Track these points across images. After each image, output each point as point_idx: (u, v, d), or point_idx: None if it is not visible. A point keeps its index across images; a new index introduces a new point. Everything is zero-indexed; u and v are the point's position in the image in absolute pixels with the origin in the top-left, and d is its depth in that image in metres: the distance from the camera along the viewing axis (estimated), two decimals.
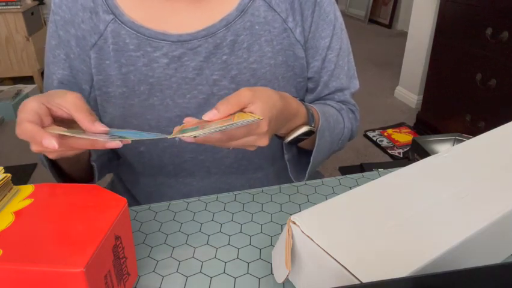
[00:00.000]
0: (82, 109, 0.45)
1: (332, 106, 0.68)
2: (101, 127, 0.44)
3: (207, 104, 0.62)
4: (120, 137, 0.44)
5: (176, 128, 0.47)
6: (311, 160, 0.61)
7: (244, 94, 0.47)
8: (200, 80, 0.61)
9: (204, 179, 0.69)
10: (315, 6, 0.63)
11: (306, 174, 0.63)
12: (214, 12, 0.60)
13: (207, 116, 0.45)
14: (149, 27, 0.59)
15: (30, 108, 0.44)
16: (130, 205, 0.58)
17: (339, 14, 0.68)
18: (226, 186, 0.70)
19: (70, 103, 0.45)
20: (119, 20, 0.59)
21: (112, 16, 0.59)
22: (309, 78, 0.68)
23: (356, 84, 0.72)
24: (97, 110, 0.64)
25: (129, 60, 0.60)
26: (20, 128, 0.43)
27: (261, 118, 0.45)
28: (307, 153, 0.63)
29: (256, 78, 0.62)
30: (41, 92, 2.93)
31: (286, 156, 0.63)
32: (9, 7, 2.79)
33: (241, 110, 0.47)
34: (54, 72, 0.64)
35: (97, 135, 0.44)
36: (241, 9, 0.60)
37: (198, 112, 0.61)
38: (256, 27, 0.61)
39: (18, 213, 0.38)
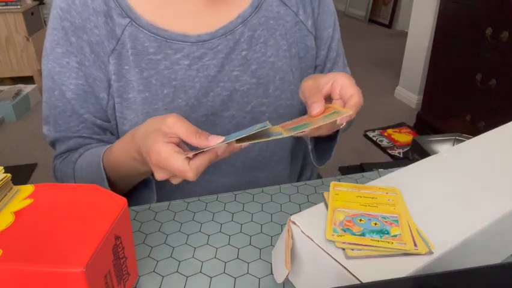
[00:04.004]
0: (191, 131, 0.45)
1: None
2: (217, 139, 0.44)
3: (231, 100, 0.62)
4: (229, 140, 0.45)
5: (277, 128, 0.48)
6: (337, 141, 0.64)
7: (324, 80, 0.50)
8: (221, 77, 0.61)
9: (230, 174, 0.68)
10: None
11: (332, 155, 0.66)
12: (230, 10, 0.61)
13: (314, 112, 0.47)
14: (168, 29, 0.59)
15: (177, 152, 0.44)
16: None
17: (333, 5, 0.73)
18: (251, 179, 0.69)
19: (177, 128, 0.45)
20: (136, 23, 0.58)
21: (128, 20, 0.58)
22: (316, 67, 0.71)
23: (349, 71, 0.77)
24: (114, 119, 0.63)
25: (149, 64, 0.59)
26: (196, 167, 0.44)
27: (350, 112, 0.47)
28: (320, 139, 0.66)
29: (275, 71, 0.64)
30: (41, 93, 2.94)
31: (310, 146, 0.65)
32: (9, 7, 2.79)
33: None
34: (63, 82, 0.60)
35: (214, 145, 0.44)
36: (256, 5, 0.62)
37: (223, 109, 0.62)
38: (271, 21, 0.63)
39: (18, 213, 0.38)
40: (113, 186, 0.58)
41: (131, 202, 0.61)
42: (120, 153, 0.55)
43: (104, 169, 0.56)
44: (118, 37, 0.58)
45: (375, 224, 0.39)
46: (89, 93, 0.61)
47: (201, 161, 0.44)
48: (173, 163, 0.43)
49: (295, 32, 0.65)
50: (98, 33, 0.58)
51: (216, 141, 0.44)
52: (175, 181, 0.47)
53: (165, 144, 0.44)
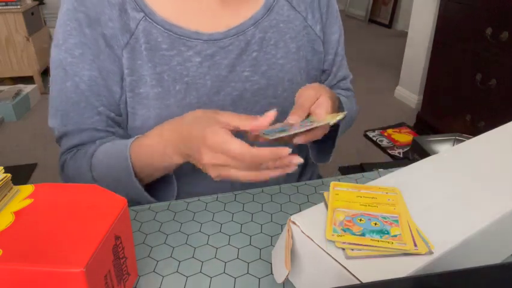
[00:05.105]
0: (244, 117, 0.46)
1: (342, 95, 0.74)
2: (267, 117, 0.46)
3: (241, 99, 0.63)
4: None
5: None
6: (335, 144, 0.67)
7: (310, 94, 0.54)
8: (232, 77, 0.62)
9: None
10: (328, 4, 0.69)
11: (331, 157, 0.69)
12: (242, 11, 0.63)
13: (292, 120, 0.52)
14: (181, 26, 0.59)
15: (234, 137, 0.44)
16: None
17: None
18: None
19: (231, 117, 0.46)
20: (150, 19, 0.58)
21: (142, 14, 0.58)
22: (324, 71, 0.73)
23: (350, 73, 0.79)
24: (125, 114, 0.62)
25: (162, 60, 0.59)
26: (250, 154, 0.43)
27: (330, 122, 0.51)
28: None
29: (284, 72, 0.65)
30: (41, 92, 2.95)
31: (309, 143, 0.69)
32: (9, 7, 2.79)
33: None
34: (76, 73, 0.59)
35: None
36: (268, 8, 0.63)
37: (234, 109, 0.63)
38: (281, 25, 0.64)
39: (18, 213, 0.38)
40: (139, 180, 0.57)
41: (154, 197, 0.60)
42: (154, 143, 0.55)
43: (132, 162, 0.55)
44: (132, 31, 0.58)
45: (375, 224, 0.39)
46: (102, 86, 0.60)
47: (260, 151, 0.43)
48: (231, 146, 0.43)
49: (303, 36, 0.67)
50: (112, 26, 0.57)
51: (267, 120, 0.46)
52: (219, 171, 0.46)
53: (222, 129, 0.45)
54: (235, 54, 0.62)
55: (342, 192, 0.44)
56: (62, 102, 0.61)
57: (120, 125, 0.65)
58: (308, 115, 0.54)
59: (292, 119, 0.51)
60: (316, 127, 0.51)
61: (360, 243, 0.36)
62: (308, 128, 0.50)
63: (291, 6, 0.65)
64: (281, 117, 0.65)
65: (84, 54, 0.58)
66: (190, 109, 0.60)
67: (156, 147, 0.54)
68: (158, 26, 0.58)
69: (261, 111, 0.63)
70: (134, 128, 0.63)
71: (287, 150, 0.43)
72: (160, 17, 0.59)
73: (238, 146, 0.43)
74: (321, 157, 0.70)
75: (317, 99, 0.54)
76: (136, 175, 0.56)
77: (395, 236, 0.37)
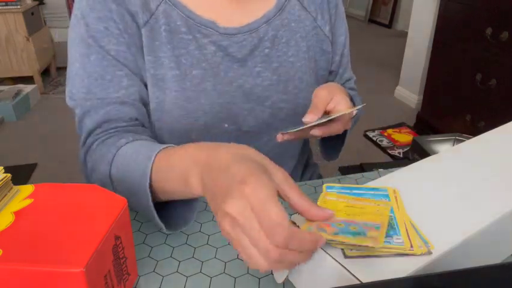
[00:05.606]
0: (293, 186, 0.38)
1: (351, 94, 0.75)
2: (327, 212, 0.39)
3: (252, 93, 0.64)
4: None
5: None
6: (345, 141, 0.69)
7: (323, 94, 0.55)
8: (244, 71, 0.63)
9: None
10: (336, 6, 0.72)
11: (339, 155, 0.71)
12: (255, 10, 0.64)
13: (307, 118, 0.53)
14: (200, 14, 0.61)
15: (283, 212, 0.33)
16: None
17: None
18: None
19: (284, 181, 0.37)
20: (170, 2, 0.59)
21: None
22: (331, 72, 0.74)
23: (353, 75, 0.81)
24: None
25: (181, 43, 0.60)
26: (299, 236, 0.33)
27: (348, 112, 0.54)
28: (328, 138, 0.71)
29: (294, 70, 0.66)
30: (41, 92, 2.95)
31: (318, 142, 0.72)
32: (9, 7, 2.79)
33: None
34: (102, 47, 0.57)
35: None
36: (279, 7, 0.65)
37: (244, 101, 0.64)
38: (292, 24, 0.66)
39: (18, 213, 0.38)
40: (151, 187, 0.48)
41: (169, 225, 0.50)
42: (176, 157, 0.46)
43: (153, 166, 0.47)
44: (152, 11, 0.59)
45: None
46: (131, 61, 0.59)
47: (300, 232, 0.34)
48: (273, 208, 0.33)
49: (313, 36, 0.68)
50: (134, 3, 0.58)
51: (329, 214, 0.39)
52: (235, 231, 0.34)
53: (271, 184, 0.35)
54: (247, 50, 0.63)
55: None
56: (84, 80, 0.58)
57: (147, 104, 0.61)
58: (327, 113, 0.56)
59: (308, 117, 0.53)
60: (333, 121, 0.54)
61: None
62: (325, 120, 0.52)
63: (302, 7, 0.67)
64: (292, 113, 0.67)
65: (109, 28, 0.57)
66: (205, 95, 0.61)
67: (176, 163, 0.45)
68: (178, 10, 0.59)
69: (272, 107, 0.66)
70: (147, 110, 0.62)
71: (325, 239, 0.36)
72: (179, 2, 0.60)
73: (280, 213, 0.32)
74: (330, 155, 0.72)
75: (331, 99, 0.55)
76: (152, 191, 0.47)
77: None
